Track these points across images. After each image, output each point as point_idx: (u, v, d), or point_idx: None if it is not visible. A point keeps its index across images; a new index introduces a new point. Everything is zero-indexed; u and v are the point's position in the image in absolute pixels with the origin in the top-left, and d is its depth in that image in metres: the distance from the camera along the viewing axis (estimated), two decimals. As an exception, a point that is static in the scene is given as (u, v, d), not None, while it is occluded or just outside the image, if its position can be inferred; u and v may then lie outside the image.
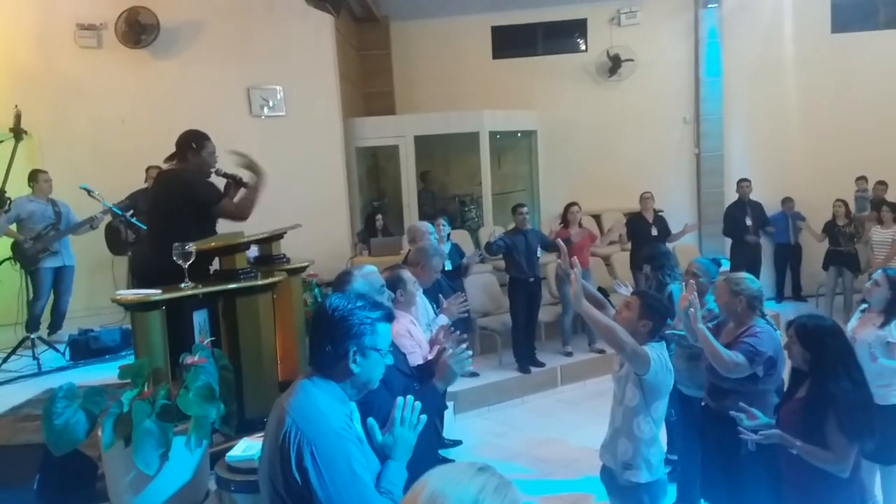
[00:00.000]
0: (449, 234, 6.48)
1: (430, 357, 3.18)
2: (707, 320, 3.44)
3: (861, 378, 2.74)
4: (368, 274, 2.88)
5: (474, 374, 6.26)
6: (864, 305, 3.83)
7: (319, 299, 5.27)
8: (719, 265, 4.22)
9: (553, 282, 7.14)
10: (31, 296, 6.04)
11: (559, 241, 5.56)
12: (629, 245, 7.69)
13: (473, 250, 7.40)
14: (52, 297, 6.31)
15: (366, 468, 1.75)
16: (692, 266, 3.95)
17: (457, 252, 6.23)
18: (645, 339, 2.90)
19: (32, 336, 5.74)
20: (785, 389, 3.09)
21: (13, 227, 6.13)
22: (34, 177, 6.23)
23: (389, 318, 1.93)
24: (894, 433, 3.38)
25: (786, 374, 3.20)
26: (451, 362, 2.52)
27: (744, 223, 8.24)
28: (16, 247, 6.02)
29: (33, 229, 6.08)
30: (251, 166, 4.01)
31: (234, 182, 4.15)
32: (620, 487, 2.94)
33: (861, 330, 3.61)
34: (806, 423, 2.69)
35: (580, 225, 6.87)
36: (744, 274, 3.46)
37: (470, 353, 2.57)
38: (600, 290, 4.12)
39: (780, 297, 9.40)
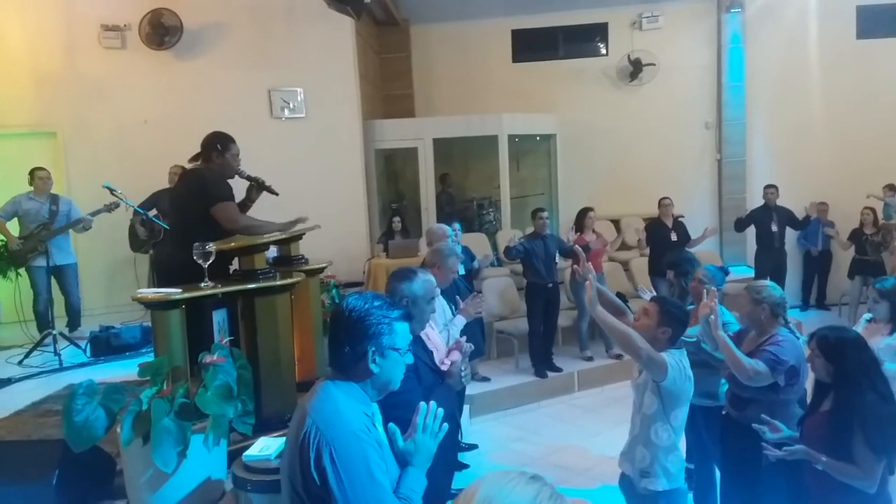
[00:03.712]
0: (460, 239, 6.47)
1: (445, 360, 3.18)
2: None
3: (887, 390, 2.68)
4: (429, 280, 2.88)
5: (485, 379, 6.24)
6: (868, 315, 3.85)
7: (337, 300, 5.29)
8: (727, 273, 4.19)
9: (570, 287, 7.10)
10: (32, 295, 6.12)
11: (576, 246, 5.56)
12: (647, 251, 7.63)
13: (490, 253, 7.37)
14: (61, 295, 6.33)
15: (384, 472, 1.73)
16: (699, 273, 3.91)
17: (467, 255, 6.21)
18: (664, 346, 2.85)
19: (54, 332, 5.80)
20: (808, 401, 3.04)
21: (14, 223, 6.15)
22: (32, 175, 6.23)
23: (407, 317, 1.93)
24: None
25: (808, 385, 3.15)
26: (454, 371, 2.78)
27: (769, 229, 8.13)
28: (4, 246, 6.07)
29: (28, 228, 6.12)
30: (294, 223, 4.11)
31: (257, 185, 4.17)
32: (639, 496, 2.90)
33: (868, 339, 3.56)
34: (831, 437, 2.64)
35: (594, 230, 6.84)
36: (766, 282, 3.42)
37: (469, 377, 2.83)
38: (619, 295, 4.08)
39: (805, 305, 9.28)
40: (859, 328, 3.78)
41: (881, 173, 8.72)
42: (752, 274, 8.36)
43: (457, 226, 6.33)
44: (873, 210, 8.32)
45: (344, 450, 1.69)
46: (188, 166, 4.26)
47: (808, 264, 9.26)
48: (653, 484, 2.84)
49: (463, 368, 2.89)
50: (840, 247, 8.75)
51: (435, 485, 1.91)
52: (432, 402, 1.93)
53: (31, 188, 6.25)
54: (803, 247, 9.21)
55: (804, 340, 3.29)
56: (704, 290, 3.50)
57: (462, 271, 5.87)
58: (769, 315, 3.23)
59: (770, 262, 8.04)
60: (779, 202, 8.35)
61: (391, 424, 1.89)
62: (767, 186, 8.35)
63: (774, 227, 8.13)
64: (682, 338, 3.51)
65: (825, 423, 2.70)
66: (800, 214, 8.39)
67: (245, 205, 4.20)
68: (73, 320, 6.44)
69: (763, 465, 3.04)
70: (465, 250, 6.28)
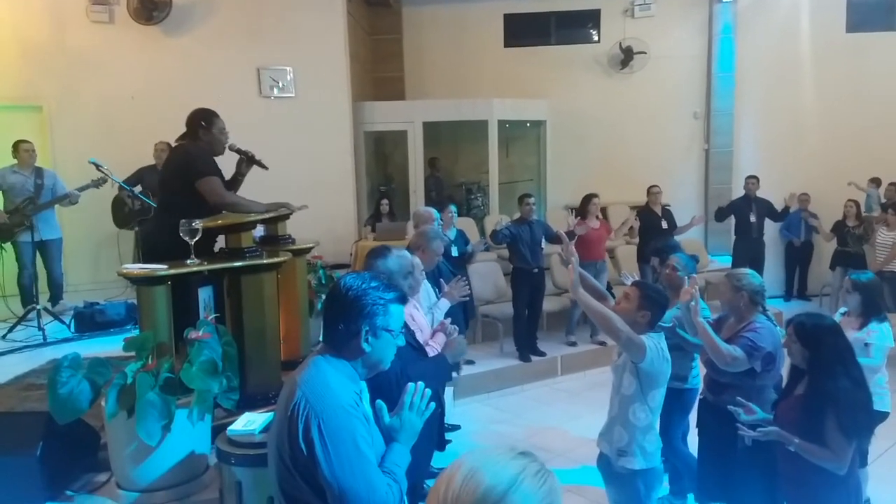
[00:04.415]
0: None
1: (429, 341, 3.22)
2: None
3: (860, 377, 2.76)
4: (403, 256, 2.92)
5: (470, 362, 6.30)
6: (843, 309, 3.93)
7: (324, 281, 5.31)
8: (697, 261, 4.30)
9: (556, 272, 7.16)
10: (18, 269, 6.08)
11: (560, 231, 5.60)
12: (637, 238, 7.70)
13: (479, 238, 7.41)
14: (44, 270, 6.30)
15: (370, 446, 1.77)
16: (672, 261, 3.98)
17: (462, 239, 6.25)
18: (644, 329, 2.91)
19: (38, 307, 5.77)
20: (783, 386, 3.11)
21: None
22: (16, 147, 6.15)
23: (402, 300, 1.95)
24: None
25: (784, 371, 3.22)
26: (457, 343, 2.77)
27: (748, 220, 8.25)
28: None
29: (13, 202, 6.05)
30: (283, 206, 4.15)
31: (247, 158, 4.15)
32: (616, 474, 2.97)
33: None
34: (804, 420, 2.71)
35: (597, 217, 6.87)
36: (746, 270, 3.49)
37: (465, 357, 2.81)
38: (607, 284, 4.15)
39: (788, 295, 9.40)
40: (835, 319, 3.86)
41: (867, 166, 8.83)
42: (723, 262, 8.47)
43: (452, 208, 6.38)
44: (856, 202, 8.42)
45: (332, 422, 1.72)
46: (175, 144, 4.24)
47: (790, 255, 9.38)
48: (630, 463, 2.90)
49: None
50: (823, 238, 8.87)
51: (415, 461, 1.95)
52: (420, 383, 1.96)
53: (15, 161, 6.18)
54: (785, 238, 9.33)
55: (782, 333, 3.36)
56: (686, 278, 3.57)
57: (456, 253, 5.94)
58: (748, 302, 3.29)
59: (748, 252, 8.15)
60: (765, 192, 8.44)
61: (378, 401, 1.93)
62: (748, 177, 8.47)
63: (753, 218, 8.25)
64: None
65: (799, 406, 2.77)
66: (780, 206, 8.50)
67: (236, 179, 4.18)
68: (55, 294, 6.40)
69: (738, 449, 3.11)
70: (461, 234, 6.33)
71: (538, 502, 1.02)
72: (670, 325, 3.46)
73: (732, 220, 8.54)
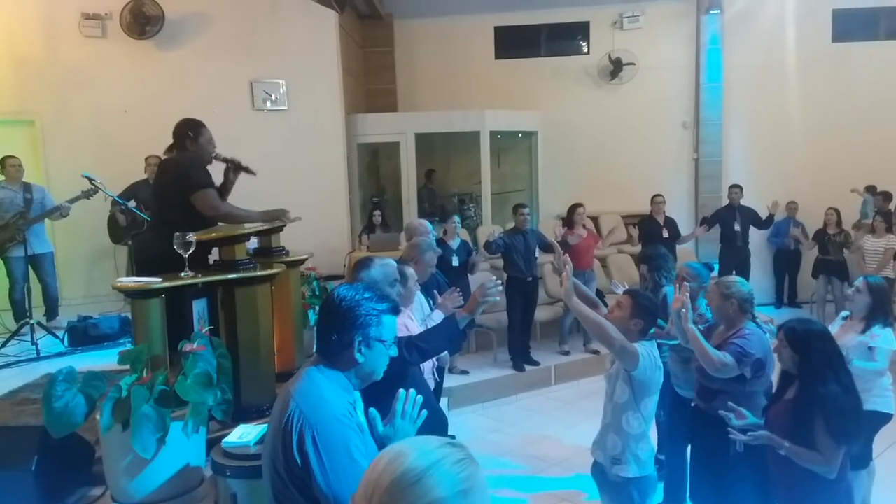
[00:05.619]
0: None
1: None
2: (698, 324, 3.49)
3: (850, 381, 2.80)
4: (387, 265, 2.95)
5: (464, 372, 6.31)
6: (844, 313, 3.96)
7: (318, 292, 5.32)
8: (711, 269, 4.28)
9: (549, 282, 7.19)
10: (8, 284, 6.06)
11: (552, 240, 5.66)
12: (639, 247, 7.74)
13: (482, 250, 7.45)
14: (38, 284, 6.27)
15: (365, 456, 1.78)
16: (683, 270, 4.01)
17: (465, 249, 6.30)
18: (636, 337, 2.94)
19: (31, 321, 5.76)
20: (774, 391, 3.15)
21: None
22: (3, 163, 6.13)
23: (395, 310, 1.97)
24: (870, 438, 3.50)
25: (774, 377, 3.26)
26: (480, 296, 2.78)
27: (732, 228, 8.34)
28: None
29: (3, 217, 6.02)
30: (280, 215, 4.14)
31: (234, 166, 4.17)
32: (610, 483, 2.99)
33: (841, 336, 3.68)
34: (794, 424, 2.74)
35: (584, 226, 6.92)
36: (735, 278, 3.53)
37: (499, 285, 2.80)
38: (598, 293, 4.18)
39: (779, 303, 9.45)
40: (835, 325, 3.90)
41: (853, 175, 8.92)
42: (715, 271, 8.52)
43: (456, 219, 6.48)
44: (837, 210, 8.49)
45: (326, 433, 1.73)
46: (164, 156, 4.26)
47: (779, 263, 9.42)
48: (623, 471, 2.92)
49: (494, 278, 2.95)
50: (805, 246, 8.95)
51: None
52: (412, 390, 1.99)
53: (2, 177, 6.16)
54: (775, 244, 9.39)
55: (773, 331, 3.39)
56: (678, 286, 3.62)
57: (457, 263, 5.98)
58: (737, 310, 3.33)
59: (733, 260, 8.23)
60: (754, 201, 8.53)
61: (372, 409, 1.95)
62: (732, 186, 8.58)
63: (737, 227, 8.34)
64: (666, 341, 3.61)
65: (789, 410, 2.80)
66: (765, 214, 8.59)
67: (225, 187, 4.19)
68: (52, 309, 6.37)
69: (731, 454, 3.14)
70: (464, 244, 6.38)
71: (454, 486, 1.07)
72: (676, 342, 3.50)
73: (718, 228, 8.61)
